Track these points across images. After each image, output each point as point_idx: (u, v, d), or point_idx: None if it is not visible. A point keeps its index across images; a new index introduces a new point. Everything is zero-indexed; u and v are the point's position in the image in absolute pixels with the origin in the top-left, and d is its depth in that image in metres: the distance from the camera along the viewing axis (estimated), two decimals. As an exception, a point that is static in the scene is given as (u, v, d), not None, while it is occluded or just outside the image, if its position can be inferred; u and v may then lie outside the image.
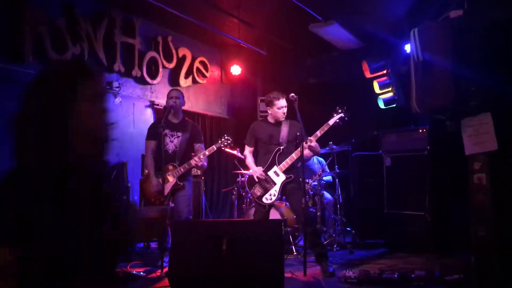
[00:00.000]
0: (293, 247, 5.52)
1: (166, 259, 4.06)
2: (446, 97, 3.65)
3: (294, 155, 4.57)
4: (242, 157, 6.22)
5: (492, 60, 3.63)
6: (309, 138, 4.50)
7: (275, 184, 4.60)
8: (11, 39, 5.09)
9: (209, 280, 3.37)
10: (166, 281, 3.59)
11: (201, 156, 4.70)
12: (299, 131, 4.53)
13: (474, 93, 3.61)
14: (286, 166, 4.60)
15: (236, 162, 6.36)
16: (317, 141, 4.58)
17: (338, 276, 4.10)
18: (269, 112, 4.79)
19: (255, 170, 4.66)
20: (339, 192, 6.20)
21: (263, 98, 8.22)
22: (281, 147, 4.66)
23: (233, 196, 6.49)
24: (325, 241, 5.82)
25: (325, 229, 5.94)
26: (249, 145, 4.84)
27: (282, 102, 4.66)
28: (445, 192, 5.39)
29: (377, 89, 6.74)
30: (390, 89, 6.63)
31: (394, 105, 6.64)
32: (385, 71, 6.70)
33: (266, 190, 4.60)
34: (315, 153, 4.79)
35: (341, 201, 6.17)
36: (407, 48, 6.03)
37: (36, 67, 5.34)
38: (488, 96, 3.62)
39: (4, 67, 5.03)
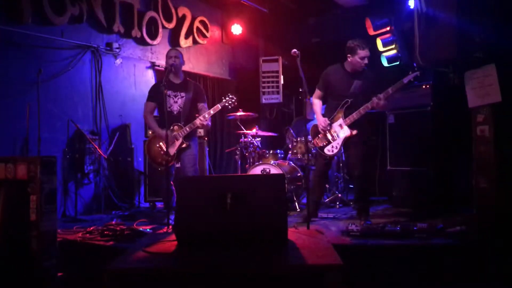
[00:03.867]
0: (296, 204, 5.58)
1: (172, 217, 4.12)
2: (450, 49, 3.61)
3: (362, 111, 4.46)
4: (250, 114, 6.17)
5: (498, 11, 3.57)
6: (378, 95, 4.38)
7: (338, 137, 4.60)
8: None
9: (215, 234, 3.42)
10: (173, 237, 3.65)
11: (206, 115, 4.72)
12: (371, 85, 4.50)
13: (479, 45, 3.57)
14: (352, 120, 4.52)
15: (238, 123, 6.35)
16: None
17: (341, 230, 4.17)
18: (348, 59, 4.58)
19: (321, 121, 4.64)
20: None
21: (265, 58, 8.17)
22: (350, 100, 4.55)
23: (236, 156, 6.51)
24: (328, 199, 5.89)
25: (327, 186, 5.99)
26: (320, 90, 4.78)
27: (366, 52, 4.49)
28: (448, 147, 5.40)
29: (380, 47, 6.64)
30: (393, 46, 6.53)
31: (398, 63, 6.56)
32: (388, 28, 6.58)
33: (328, 142, 4.62)
34: (384, 109, 4.87)
35: (343, 159, 6.20)
36: (411, 3, 5.91)
37: (35, 28, 5.28)
38: (492, 47, 3.58)
39: (3, 29, 4.97)
